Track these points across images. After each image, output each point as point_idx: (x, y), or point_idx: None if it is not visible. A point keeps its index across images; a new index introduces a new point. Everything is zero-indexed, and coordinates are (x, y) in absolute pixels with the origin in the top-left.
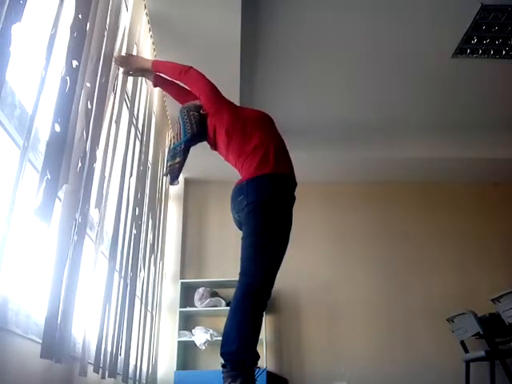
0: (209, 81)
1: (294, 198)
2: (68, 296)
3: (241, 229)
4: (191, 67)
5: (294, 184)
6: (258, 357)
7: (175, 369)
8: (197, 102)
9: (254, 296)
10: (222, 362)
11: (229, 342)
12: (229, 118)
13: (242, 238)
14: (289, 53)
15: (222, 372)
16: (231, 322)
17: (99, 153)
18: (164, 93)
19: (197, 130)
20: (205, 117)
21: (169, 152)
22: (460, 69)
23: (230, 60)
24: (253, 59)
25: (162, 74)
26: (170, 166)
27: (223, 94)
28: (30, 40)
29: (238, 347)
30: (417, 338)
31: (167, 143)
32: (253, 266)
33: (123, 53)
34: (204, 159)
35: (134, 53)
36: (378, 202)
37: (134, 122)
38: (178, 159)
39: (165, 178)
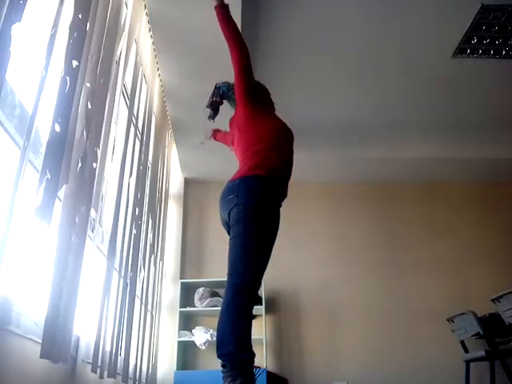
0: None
1: (280, 205)
2: (68, 296)
3: (227, 228)
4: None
5: (284, 193)
6: (254, 354)
7: (175, 369)
8: (265, 91)
9: (244, 296)
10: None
11: (224, 343)
12: (245, 115)
13: (231, 239)
14: (289, 53)
15: (222, 372)
16: (224, 323)
17: (99, 153)
18: (164, 93)
19: (231, 94)
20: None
21: (214, 89)
22: (460, 69)
23: (229, 60)
24: (253, 59)
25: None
26: (210, 101)
27: None
28: (30, 40)
29: (235, 347)
30: (417, 338)
31: (167, 143)
32: (242, 266)
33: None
34: (204, 159)
35: (133, 52)
36: (378, 202)
37: (134, 121)
38: (214, 98)
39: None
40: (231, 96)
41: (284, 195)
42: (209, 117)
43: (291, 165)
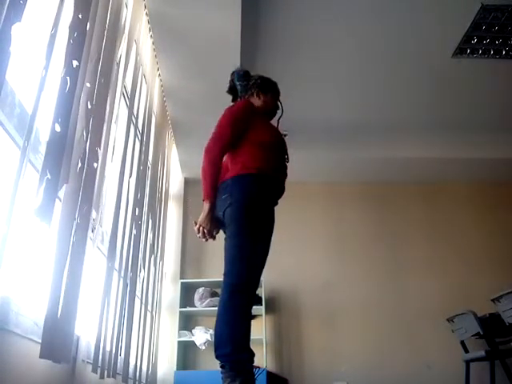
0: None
1: (276, 203)
2: (68, 296)
3: (223, 228)
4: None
5: (280, 191)
6: (253, 354)
7: (175, 369)
8: (276, 94)
9: (240, 296)
10: None
11: (222, 344)
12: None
13: (226, 238)
14: (289, 53)
15: (221, 372)
16: (221, 324)
17: (99, 153)
18: (164, 92)
19: (238, 84)
20: (252, 95)
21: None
22: (460, 69)
23: (229, 60)
24: (253, 59)
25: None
26: (228, 87)
27: (223, 95)
28: (30, 40)
29: (233, 348)
30: (417, 338)
31: (167, 143)
32: (237, 266)
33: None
34: None
35: (134, 52)
36: (378, 202)
37: (134, 121)
38: (231, 83)
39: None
40: (238, 87)
41: (280, 193)
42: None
43: (285, 166)
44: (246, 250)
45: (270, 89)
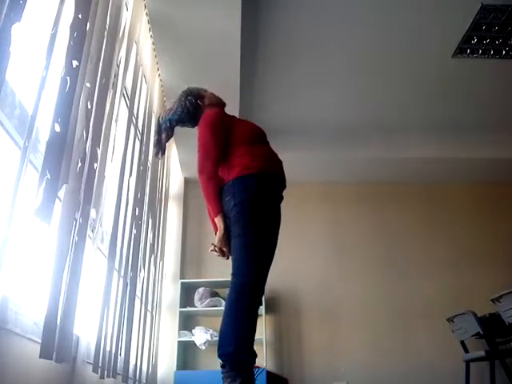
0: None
1: (281, 198)
2: (68, 296)
3: (229, 229)
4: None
5: (283, 184)
6: (255, 356)
7: (175, 369)
8: (201, 89)
9: (247, 295)
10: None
11: (226, 343)
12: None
13: (233, 239)
14: (289, 53)
15: (222, 372)
16: (227, 323)
17: (99, 153)
18: (164, 92)
19: (185, 117)
20: (200, 106)
21: (156, 125)
22: (460, 69)
23: (229, 60)
24: (253, 59)
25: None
26: (156, 139)
27: (223, 96)
28: (31, 40)
29: (236, 348)
30: (417, 338)
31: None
32: (245, 265)
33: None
34: None
35: (134, 52)
36: (377, 202)
37: (134, 121)
38: (165, 134)
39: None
40: (185, 119)
41: (283, 186)
42: (156, 155)
43: (277, 157)
44: (253, 250)
45: (198, 90)
